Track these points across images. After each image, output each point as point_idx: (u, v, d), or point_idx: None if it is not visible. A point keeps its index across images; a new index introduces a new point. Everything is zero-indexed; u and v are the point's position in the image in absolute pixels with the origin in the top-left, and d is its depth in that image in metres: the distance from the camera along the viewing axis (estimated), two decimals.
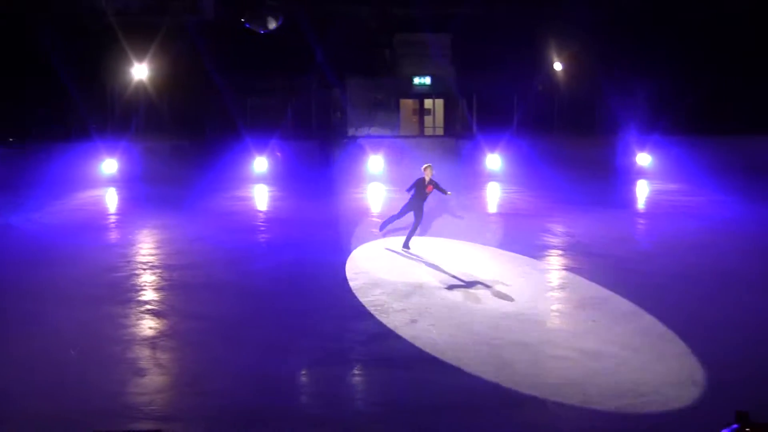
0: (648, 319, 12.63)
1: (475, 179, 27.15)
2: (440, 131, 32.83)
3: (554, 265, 16.29)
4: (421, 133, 32.65)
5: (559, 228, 19.80)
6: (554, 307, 13.51)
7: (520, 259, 16.47)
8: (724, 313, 13.10)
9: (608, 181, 27.07)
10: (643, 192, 26.04)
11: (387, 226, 17.92)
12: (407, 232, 17.18)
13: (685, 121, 30.57)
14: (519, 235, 18.73)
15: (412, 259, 16.31)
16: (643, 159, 29.18)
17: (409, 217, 17.23)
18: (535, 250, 17.31)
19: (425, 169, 16.96)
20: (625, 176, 27.97)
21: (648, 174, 28.27)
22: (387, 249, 17.21)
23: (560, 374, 10.55)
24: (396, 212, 17.58)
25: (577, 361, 10.99)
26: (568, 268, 15.88)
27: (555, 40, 31.02)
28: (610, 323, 12.52)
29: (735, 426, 5.30)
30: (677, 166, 28.03)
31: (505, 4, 30.40)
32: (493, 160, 28.42)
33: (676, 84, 30.21)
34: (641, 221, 21.60)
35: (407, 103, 33.33)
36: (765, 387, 10.19)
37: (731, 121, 30.01)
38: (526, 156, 28.97)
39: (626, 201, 24.52)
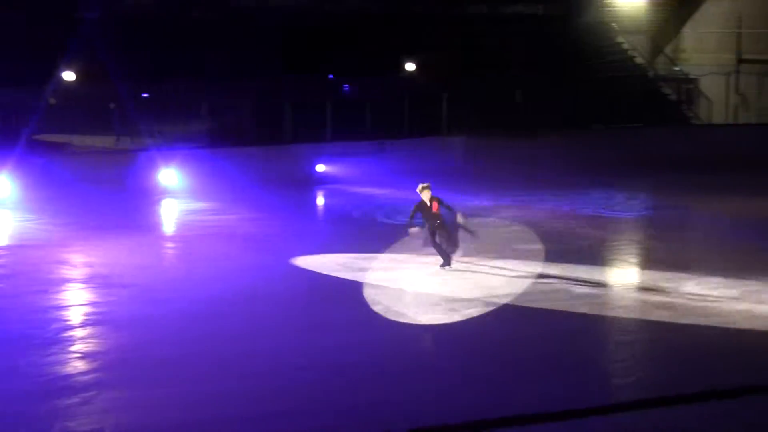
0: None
1: None
2: None
3: (75, 300, 15.29)
4: None
5: (77, 258, 18.81)
6: None
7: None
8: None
9: (132, 203, 26.29)
10: (171, 213, 25.63)
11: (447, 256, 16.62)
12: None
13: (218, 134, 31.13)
14: (31, 270, 17.50)
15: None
16: (169, 176, 28.63)
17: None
18: (52, 285, 16.15)
19: (423, 190, 16.33)
20: (150, 196, 27.52)
21: (176, 192, 28.08)
22: None
23: None
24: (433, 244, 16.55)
25: None
26: (90, 302, 15.08)
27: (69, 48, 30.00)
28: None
29: None
30: (208, 183, 28.09)
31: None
32: None
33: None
34: (170, 245, 21.28)
35: None
36: None
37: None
38: (40, 175, 27.39)
39: (153, 224, 23.99)
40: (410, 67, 36.26)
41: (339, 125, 31.85)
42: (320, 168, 30.66)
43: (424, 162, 31.39)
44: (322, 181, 30.36)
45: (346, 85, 35.05)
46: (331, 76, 34.94)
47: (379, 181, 29.66)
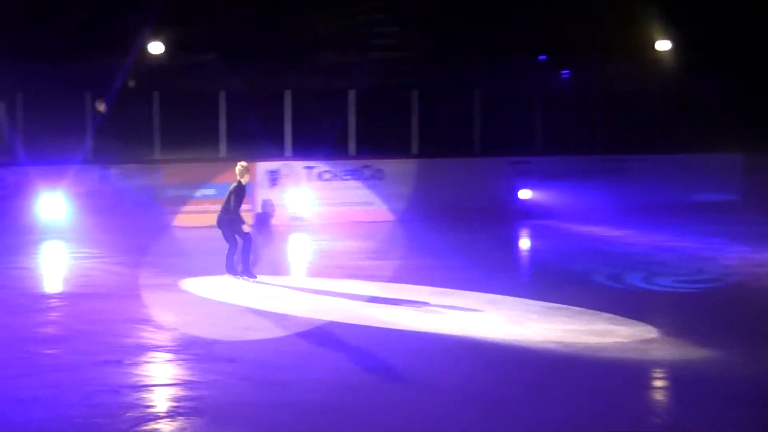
0: None
1: (19, 236, 27.13)
2: None
3: (160, 377, 15.02)
4: None
5: (163, 315, 18.89)
6: None
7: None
8: None
9: None
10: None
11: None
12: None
13: None
14: (96, 331, 17.60)
15: None
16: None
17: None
18: (126, 353, 16.06)
19: (239, 168, 21.33)
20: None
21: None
22: None
23: None
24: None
25: None
26: (181, 381, 14.69)
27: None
28: None
29: None
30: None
31: None
32: (53, 203, 28.47)
33: None
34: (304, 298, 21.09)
35: None
36: None
37: None
38: (110, 193, 29.05)
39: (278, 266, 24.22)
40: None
41: None
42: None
43: None
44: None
45: None
46: None
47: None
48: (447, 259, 25.14)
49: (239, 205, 20.99)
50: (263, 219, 22.20)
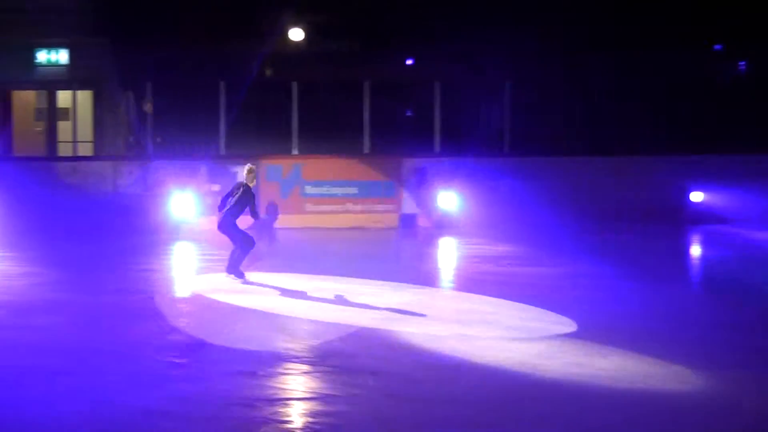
0: None
1: (149, 236, 28.24)
2: (88, 149, 32.79)
3: (296, 390, 14.61)
4: (51, 153, 32.63)
5: (293, 323, 18.74)
6: None
7: None
8: None
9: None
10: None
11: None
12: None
13: None
14: (227, 339, 17.44)
15: None
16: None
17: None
18: (260, 363, 15.73)
19: (249, 172, 21.81)
20: None
21: None
22: None
23: None
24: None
25: None
26: (319, 395, 14.22)
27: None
28: None
29: None
30: None
31: None
32: (184, 201, 29.37)
33: None
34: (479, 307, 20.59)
35: (25, 98, 32.91)
36: None
37: None
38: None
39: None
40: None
41: None
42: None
43: None
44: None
45: None
46: None
47: None
48: (596, 267, 24.79)
49: (242, 210, 21.63)
50: (268, 222, 23.99)
